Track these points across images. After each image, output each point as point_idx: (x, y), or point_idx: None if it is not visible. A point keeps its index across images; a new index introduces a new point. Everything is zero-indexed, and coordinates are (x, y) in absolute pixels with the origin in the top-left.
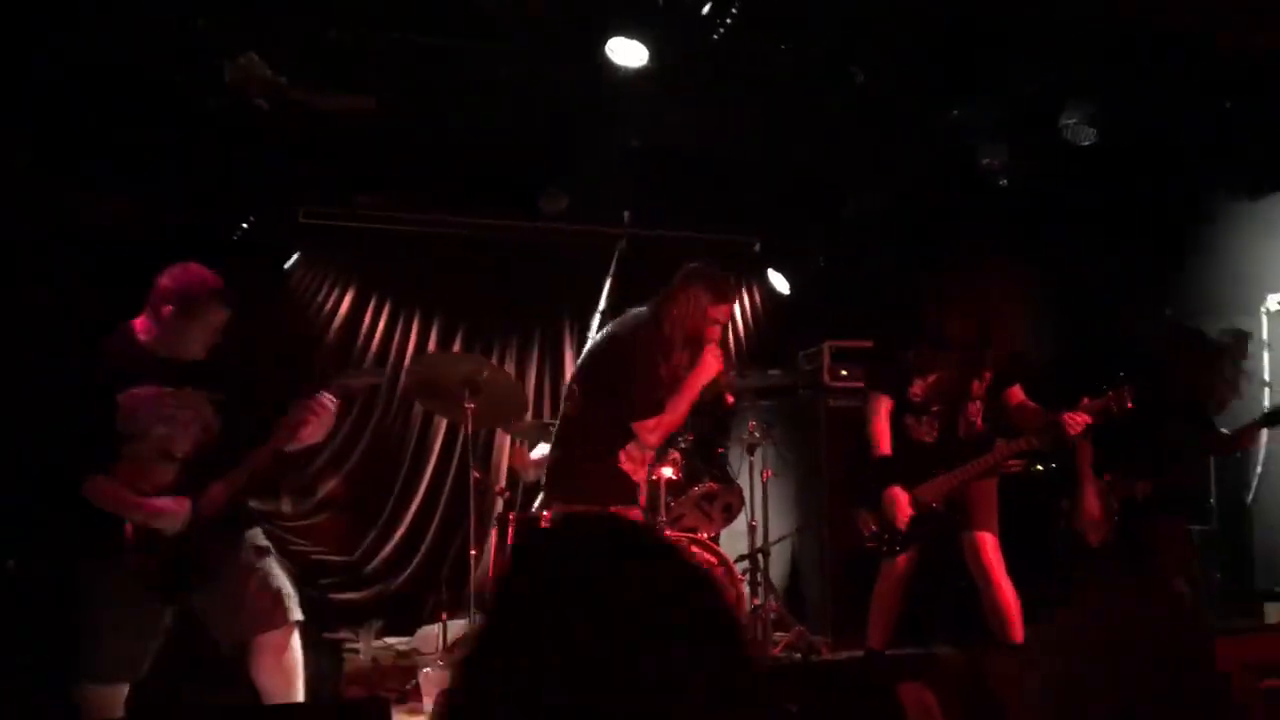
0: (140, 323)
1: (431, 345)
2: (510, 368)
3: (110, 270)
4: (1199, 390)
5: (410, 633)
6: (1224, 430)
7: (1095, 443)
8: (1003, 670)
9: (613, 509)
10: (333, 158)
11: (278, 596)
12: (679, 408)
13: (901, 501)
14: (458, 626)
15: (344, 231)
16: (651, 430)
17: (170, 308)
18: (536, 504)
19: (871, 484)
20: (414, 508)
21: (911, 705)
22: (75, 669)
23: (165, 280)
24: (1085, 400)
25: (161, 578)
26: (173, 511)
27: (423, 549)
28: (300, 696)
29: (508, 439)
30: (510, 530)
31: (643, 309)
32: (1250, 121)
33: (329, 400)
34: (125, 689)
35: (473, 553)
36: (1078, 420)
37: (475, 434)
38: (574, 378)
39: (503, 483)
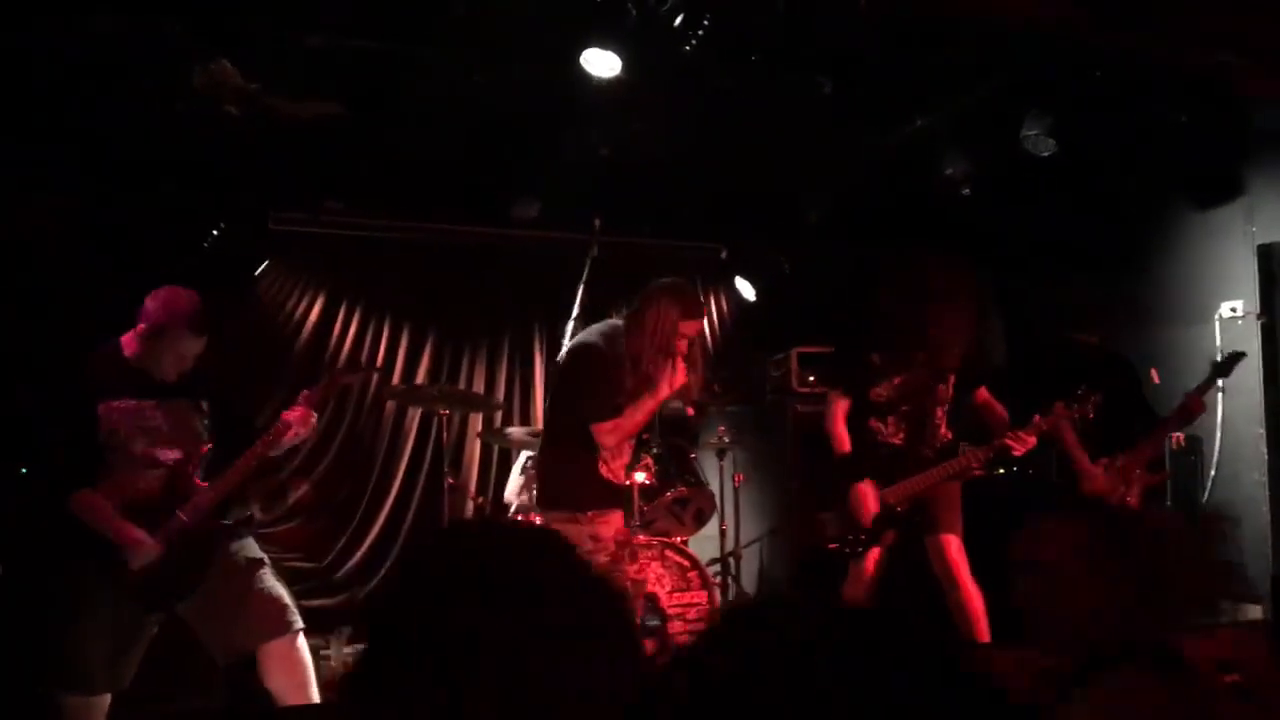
0: (127, 338)
1: (402, 351)
2: (480, 374)
3: (79, 277)
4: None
5: None
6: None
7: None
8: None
9: (590, 513)
10: (303, 164)
11: (281, 606)
12: (637, 414)
13: (868, 497)
14: None
15: (314, 238)
16: (608, 432)
17: (145, 328)
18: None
19: (833, 485)
20: (384, 514)
21: None
22: (56, 680)
23: (149, 301)
24: (1036, 419)
25: (145, 589)
26: (144, 548)
27: (393, 555)
28: (316, 697)
29: (479, 445)
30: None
31: (612, 319)
32: (1205, 133)
33: (305, 402)
34: (107, 700)
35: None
36: (1025, 439)
37: (448, 440)
38: (547, 387)
39: (473, 488)
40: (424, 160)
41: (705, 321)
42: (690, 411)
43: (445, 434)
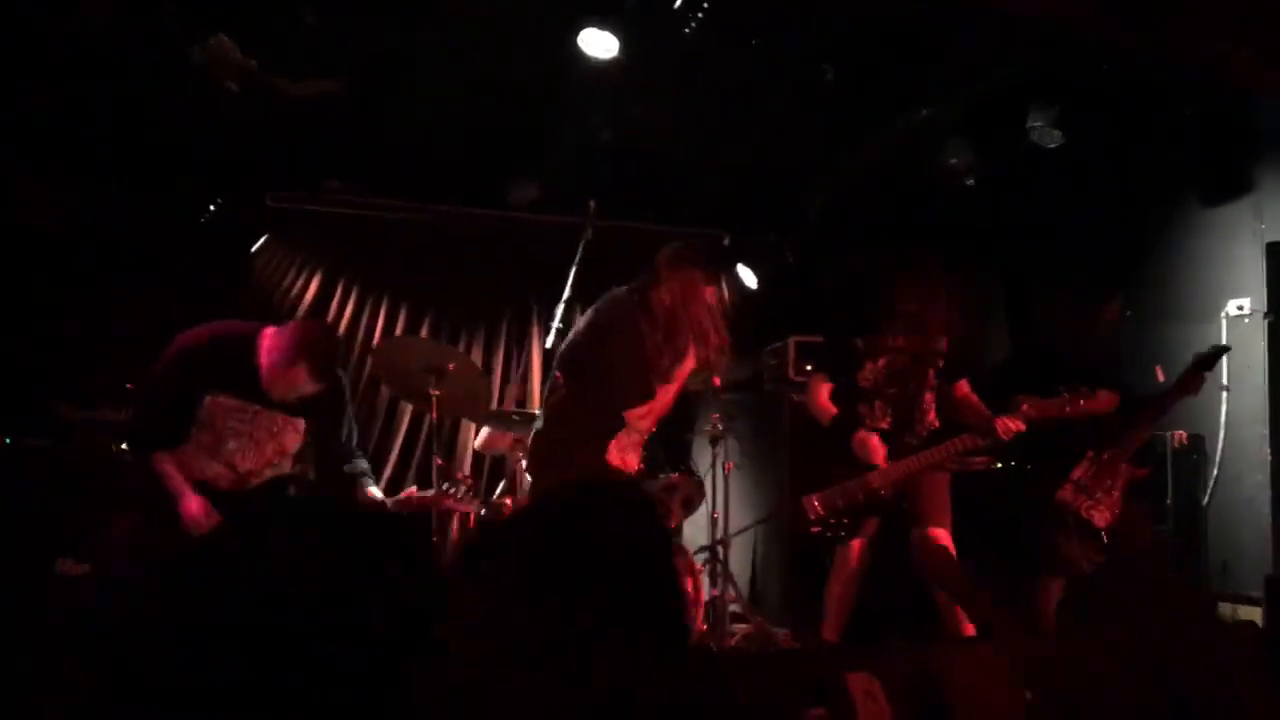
0: (270, 341)
1: (398, 332)
2: (478, 356)
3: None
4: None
5: None
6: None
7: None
8: (949, 663)
9: None
10: (302, 143)
11: None
12: (669, 392)
13: (871, 441)
14: None
15: (312, 216)
16: (643, 417)
17: (277, 355)
18: (498, 491)
19: (821, 469)
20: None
21: (858, 694)
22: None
23: (286, 333)
24: (1024, 406)
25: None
26: (198, 520)
27: None
28: None
29: (473, 427)
30: (473, 517)
31: (622, 290)
32: (1213, 129)
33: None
34: None
35: (434, 540)
36: (1012, 425)
37: (440, 422)
38: (557, 365)
39: (466, 470)
40: (423, 140)
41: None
42: (716, 381)
43: (434, 416)
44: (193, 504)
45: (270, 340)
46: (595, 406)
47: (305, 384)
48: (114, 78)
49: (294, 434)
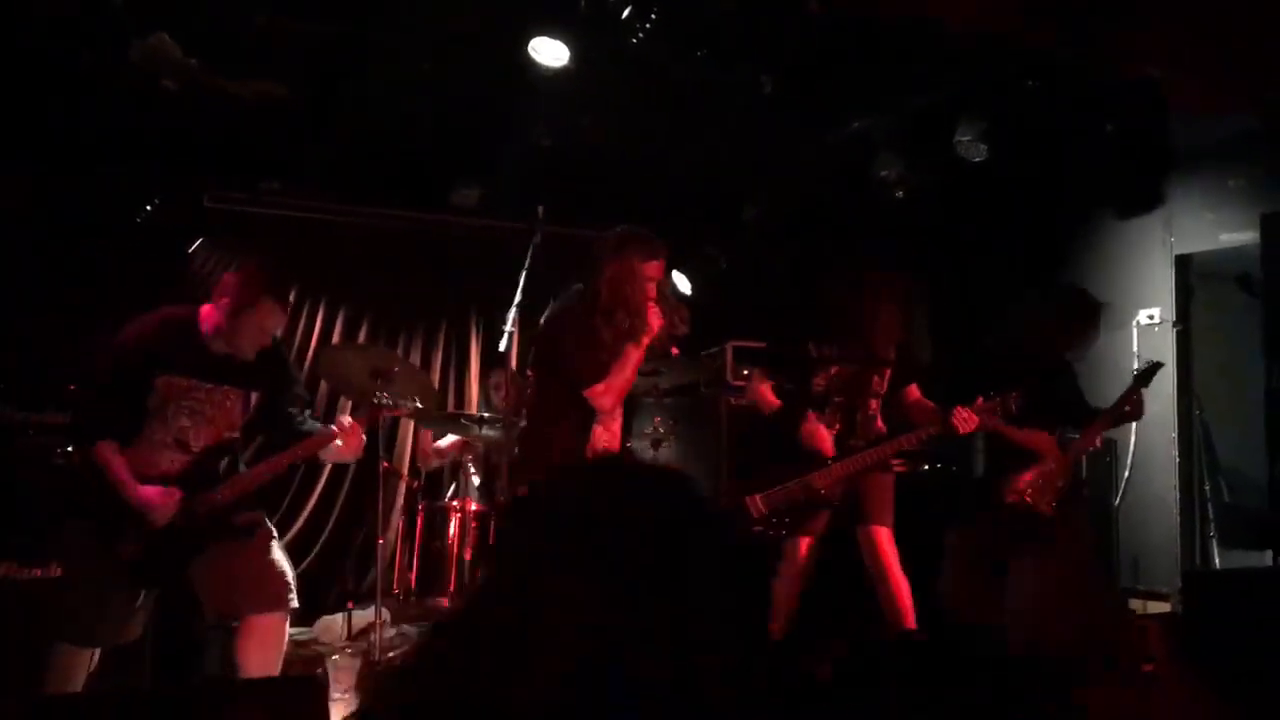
0: (207, 311)
1: (336, 335)
2: (416, 359)
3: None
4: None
5: (310, 623)
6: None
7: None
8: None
9: None
10: (240, 143)
11: (285, 582)
12: (626, 368)
13: (822, 431)
14: (363, 616)
15: (250, 218)
16: (602, 394)
17: (230, 304)
18: (449, 492)
19: (759, 471)
20: (314, 498)
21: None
22: (52, 628)
23: (231, 278)
24: (980, 401)
25: (140, 565)
26: (160, 505)
27: (321, 540)
28: None
29: (412, 427)
30: (419, 520)
31: (575, 288)
32: (1130, 144)
33: (348, 423)
34: (94, 654)
35: (380, 541)
36: (968, 418)
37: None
38: (530, 364)
39: (406, 471)
40: (366, 144)
41: (665, 259)
42: (675, 351)
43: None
44: (144, 490)
45: (211, 309)
46: (562, 395)
47: (274, 318)
48: (50, 71)
49: (244, 408)
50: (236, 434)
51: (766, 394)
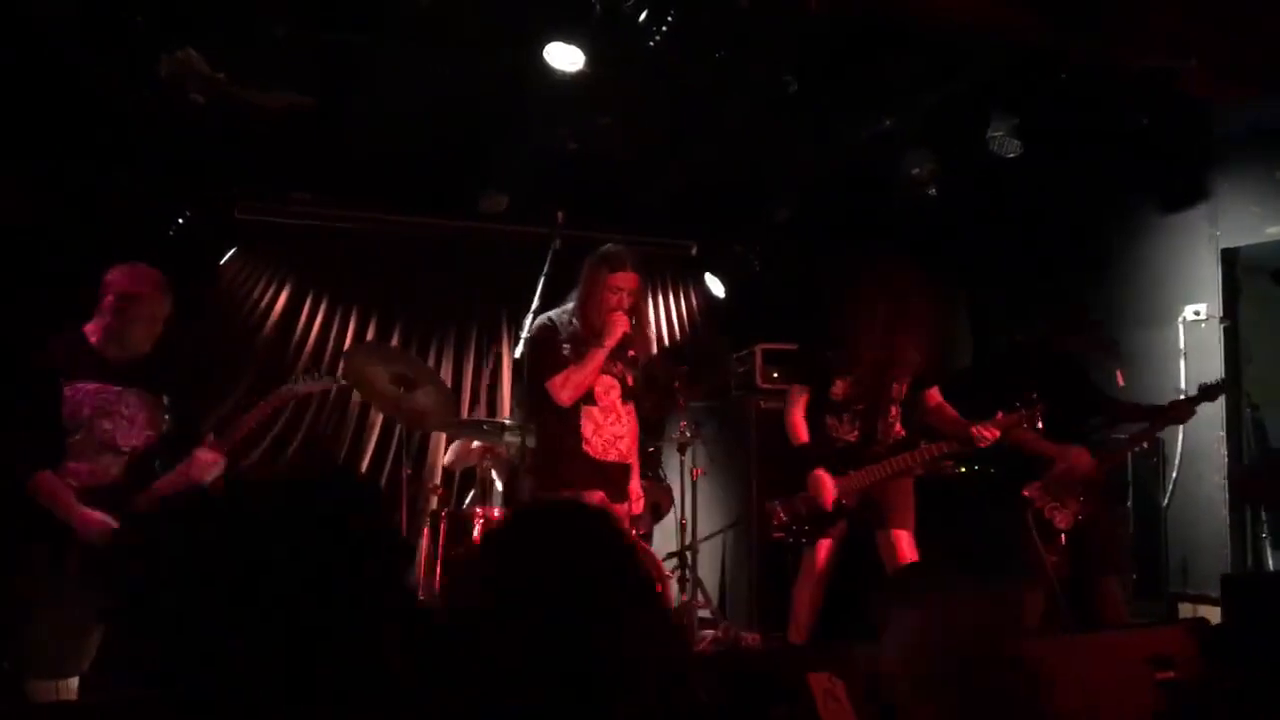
0: (91, 325)
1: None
2: (448, 366)
3: (44, 266)
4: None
5: None
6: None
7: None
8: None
9: (563, 490)
10: (270, 154)
11: None
12: (586, 365)
13: (826, 482)
14: None
15: (281, 228)
16: (560, 386)
17: (113, 300)
18: (468, 501)
19: (787, 475)
20: None
21: (820, 693)
22: (22, 665)
23: (110, 275)
24: (1000, 415)
25: (91, 582)
26: (100, 528)
27: None
28: None
29: (443, 436)
30: (443, 527)
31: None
32: (1167, 137)
33: (207, 455)
34: (75, 680)
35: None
36: (987, 434)
37: (409, 431)
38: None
39: (437, 480)
40: (392, 152)
41: (638, 274)
42: (631, 354)
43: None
44: (84, 515)
45: (95, 322)
46: (540, 399)
47: (162, 302)
48: (81, 85)
49: (158, 410)
50: (156, 437)
51: (799, 419)
